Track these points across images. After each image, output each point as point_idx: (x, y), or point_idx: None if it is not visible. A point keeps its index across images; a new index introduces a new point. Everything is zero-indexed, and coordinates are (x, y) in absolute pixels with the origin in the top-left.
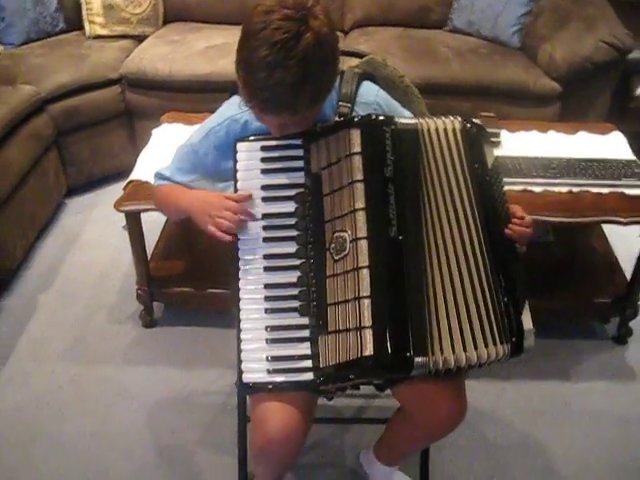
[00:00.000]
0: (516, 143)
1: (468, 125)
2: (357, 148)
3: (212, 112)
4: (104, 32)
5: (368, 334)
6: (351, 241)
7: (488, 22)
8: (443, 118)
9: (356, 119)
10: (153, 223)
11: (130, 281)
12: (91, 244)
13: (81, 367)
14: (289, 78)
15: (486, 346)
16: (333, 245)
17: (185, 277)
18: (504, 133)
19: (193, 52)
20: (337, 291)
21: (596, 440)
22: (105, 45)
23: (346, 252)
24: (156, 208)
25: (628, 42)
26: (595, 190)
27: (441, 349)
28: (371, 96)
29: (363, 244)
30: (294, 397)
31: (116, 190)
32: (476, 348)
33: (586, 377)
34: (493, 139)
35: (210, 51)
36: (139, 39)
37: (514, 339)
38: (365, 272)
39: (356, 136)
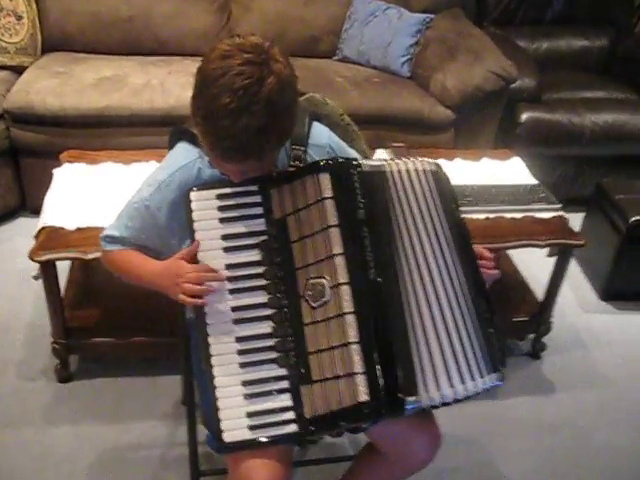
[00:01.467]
0: None
1: (430, 166)
2: (328, 193)
3: (109, 149)
4: None
5: (361, 380)
6: (331, 287)
7: (378, 52)
8: (407, 160)
9: (322, 163)
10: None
11: (36, 333)
12: None
13: None
14: (255, 123)
15: (472, 379)
16: (310, 292)
17: (104, 326)
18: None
19: (84, 85)
20: (318, 339)
21: (535, 449)
22: None
23: (326, 299)
24: (114, 273)
25: (513, 72)
26: (509, 215)
27: (426, 388)
28: (323, 138)
29: (345, 289)
30: (274, 449)
31: (3, 233)
32: (463, 382)
33: (511, 393)
34: None
35: (102, 83)
36: (17, 70)
37: (502, 368)
38: (351, 318)
39: (326, 180)
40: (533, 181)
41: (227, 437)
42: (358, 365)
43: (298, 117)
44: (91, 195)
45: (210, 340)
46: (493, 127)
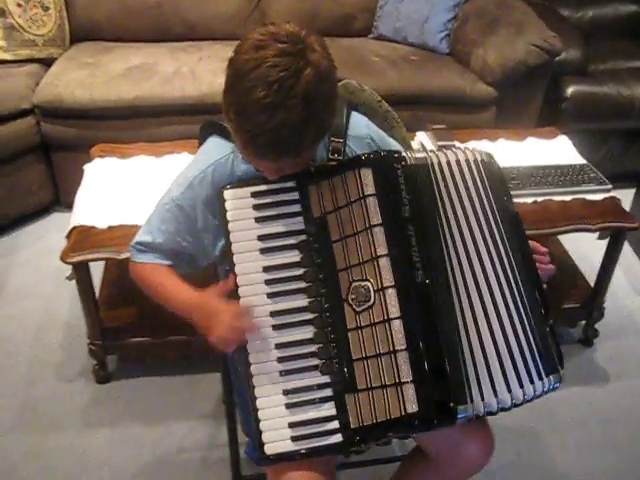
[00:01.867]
0: None
1: (481, 156)
2: (371, 189)
3: (141, 140)
4: (7, 57)
5: (410, 390)
6: (376, 290)
7: (415, 29)
8: (457, 150)
9: (363, 157)
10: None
11: (72, 333)
12: (20, 294)
13: (35, 437)
14: (292, 119)
15: (532, 382)
16: (353, 296)
17: (141, 326)
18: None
19: (113, 75)
20: (363, 345)
21: (593, 443)
22: (10, 71)
23: (371, 303)
24: (141, 286)
25: (557, 45)
26: (558, 198)
27: (481, 395)
28: (363, 129)
29: (391, 293)
30: (316, 460)
31: (38, 230)
32: (521, 386)
33: (563, 383)
34: None
35: (131, 73)
36: (46, 63)
37: (560, 369)
38: (397, 323)
39: (368, 176)
40: (581, 160)
41: (269, 449)
42: (406, 374)
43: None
44: (123, 191)
45: (248, 347)
46: (536, 104)
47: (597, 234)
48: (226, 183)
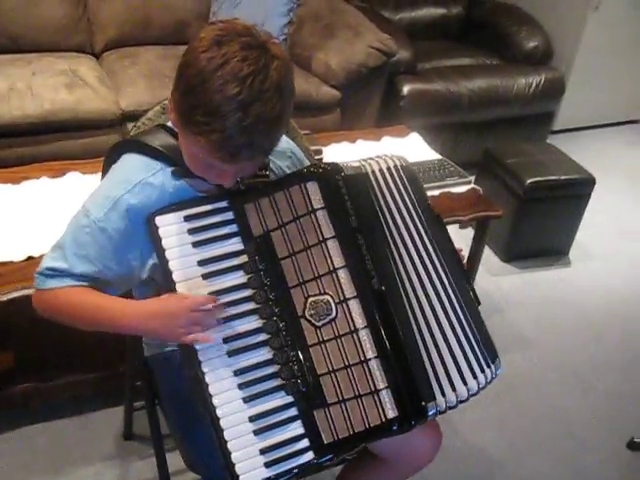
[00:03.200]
0: (335, 157)
1: (400, 161)
2: (319, 203)
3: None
4: None
5: (386, 396)
6: (338, 303)
7: None
8: (378, 158)
9: (305, 171)
10: None
11: None
12: None
13: None
14: (268, 112)
15: (482, 371)
16: (312, 311)
17: (24, 371)
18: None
19: None
20: (329, 359)
21: (482, 418)
22: None
23: (332, 316)
24: (54, 317)
25: (393, 46)
26: (429, 194)
27: (442, 391)
28: (283, 142)
29: (353, 304)
30: None
31: None
32: (475, 377)
33: None
34: (317, 157)
35: None
36: None
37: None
38: (364, 333)
39: (315, 190)
40: (437, 156)
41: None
42: (381, 380)
43: None
44: None
45: (207, 379)
46: (376, 103)
47: (458, 225)
48: (156, 208)
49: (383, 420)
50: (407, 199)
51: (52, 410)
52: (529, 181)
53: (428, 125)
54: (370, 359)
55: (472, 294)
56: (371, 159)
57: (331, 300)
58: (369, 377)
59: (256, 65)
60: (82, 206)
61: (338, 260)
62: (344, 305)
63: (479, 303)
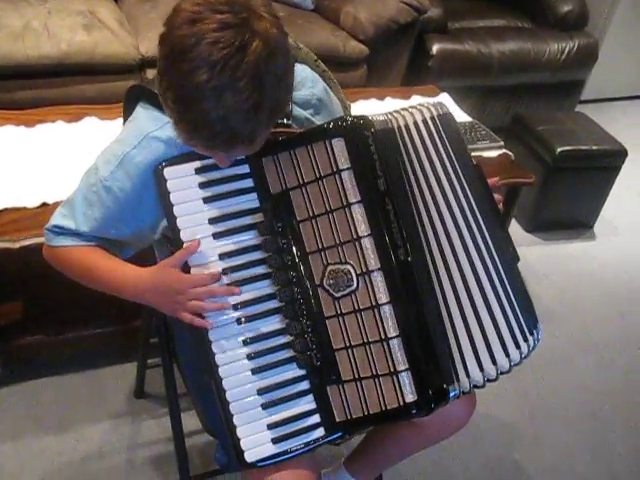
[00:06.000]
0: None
1: (439, 110)
2: (345, 163)
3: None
4: None
5: (406, 378)
6: (359, 274)
7: None
8: (412, 108)
9: (332, 126)
10: None
11: None
12: None
13: None
14: (242, 103)
15: (518, 347)
16: (332, 281)
17: (32, 323)
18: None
19: None
20: (346, 333)
21: (500, 394)
22: None
23: (353, 288)
24: (66, 273)
25: (425, 2)
26: None
27: (467, 372)
28: (307, 88)
29: (377, 277)
30: (300, 457)
31: None
32: (507, 355)
33: None
34: None
35: None
36: None
37: (538, 325)
38: (387, 309)
39: (341, 148)
40: (468, 118)
41: (250, 456)
42: (401, 361)
43: None
44: None
45: (214, 348)
46: (403, 62)
47: None
48: (164, 159)
49: (401, 404)
50: (444, 155)
51: (61, 364)
52: (560, 150)
53: (456, 87)
54: (391, 338)
55: (512, 251)
56: (404, 109)
57: (352, 271)
58: (389, 357)
59: (229, 48)
60: (94, 161)
61: (363, 227)
62: (366, 277)
63: (518, 259)
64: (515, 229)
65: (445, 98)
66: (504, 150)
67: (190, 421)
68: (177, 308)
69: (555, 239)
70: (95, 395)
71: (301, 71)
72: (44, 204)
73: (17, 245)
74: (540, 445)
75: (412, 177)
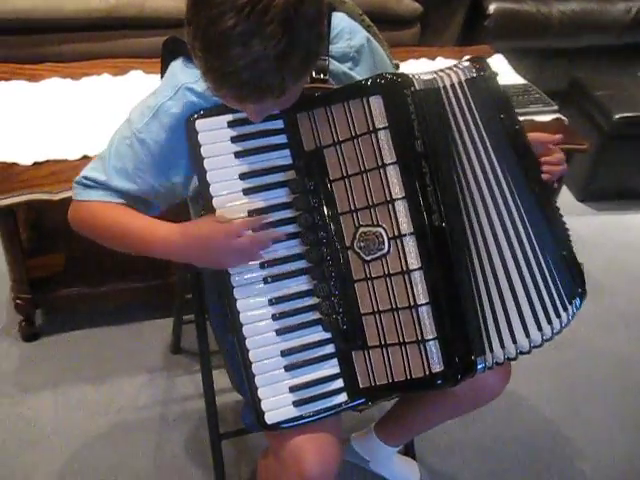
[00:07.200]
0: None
1: (478, 67)
2: (382, 122)
3: (42, 60)
4: None
5: (433, 347)
6: (391, 238)
7: None
8: (457, 67)
9: (370, 83)
10: None
11: None
12: None
13: None
14: (271, 49)
15: (550, 322)
16: (362, 243)
17: (73, 275)
18: None
19: None
20: (374, 298)
21: (545, 367)
22: None
23: (384, 251)
24: (88, 233)
25: None
26: None
27: (501, 343)
28: (344, 40)
29: (409, 241)
30: (323, 420)
31: None
32: (540, 329)
33: None
34: None
35: None
36: None
37: (581, 289)
38: (418, 275)
39: (378, 106)
40: (522, 80)
41: (270, 418)
42: (429, 330)
43: None
44: (41, 121)
45: (239, 306)
46: (459, 21)
47: None
48: (197, 111)
49: (427, 373)
50: (481, 119)
51: (101, 317)
52: (617, 116)
53: (512, 49)
54: (421, 305)
55: (553, 220)
56: (449, 69)
57: (384, 234)
58: (417, 325)
59: None
60: (128, 115)
61: (397, 190)
62: (398, 241)
63: (565, 229)
64: (566, 197)
65: (499, 59)
66: (558, 114)
67: (224, 379)
68: (229, 259)
69: (607, 209)
70: (133, 349)
71: (340, 21)
72: (85, 157)
73: (57, 197)
74: (578, 420)
75: (458, 139)
